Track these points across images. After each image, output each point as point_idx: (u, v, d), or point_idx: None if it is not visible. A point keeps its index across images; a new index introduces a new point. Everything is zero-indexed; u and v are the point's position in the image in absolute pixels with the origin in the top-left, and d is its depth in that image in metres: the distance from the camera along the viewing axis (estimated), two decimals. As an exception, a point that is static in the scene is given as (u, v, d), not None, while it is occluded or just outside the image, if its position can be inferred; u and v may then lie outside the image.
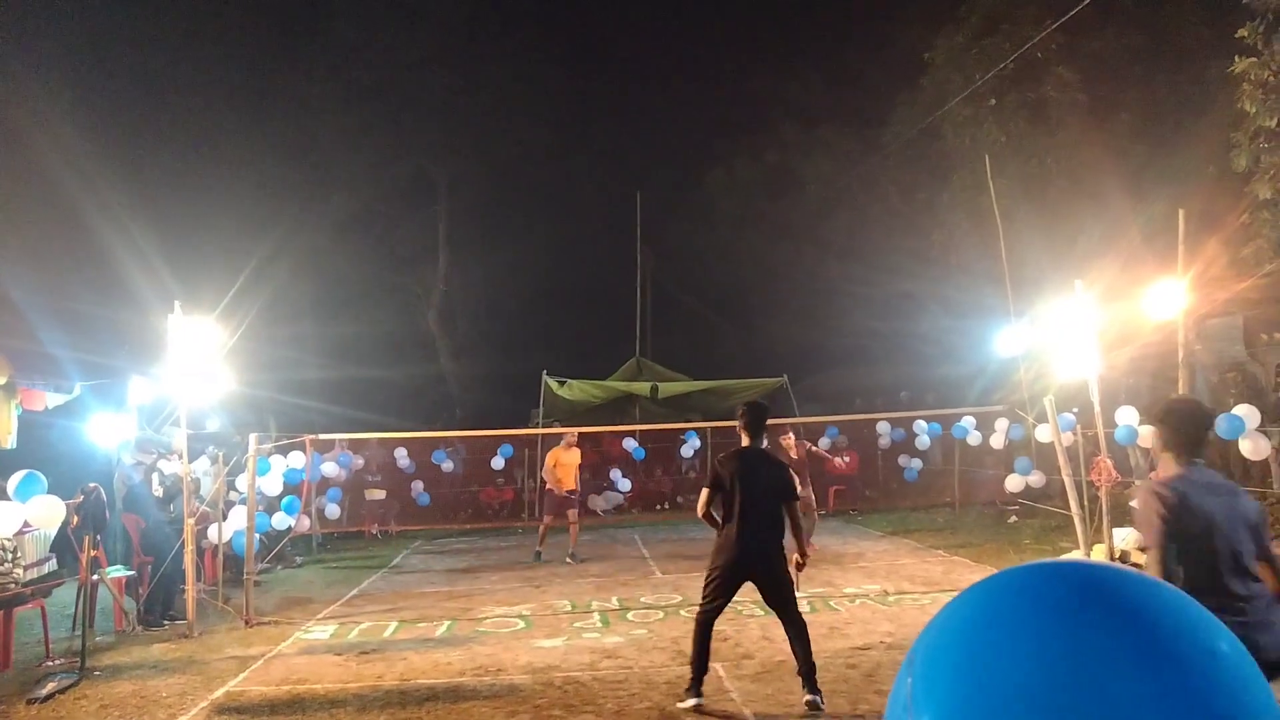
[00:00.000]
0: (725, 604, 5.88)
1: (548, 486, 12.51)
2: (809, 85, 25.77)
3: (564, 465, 12.43)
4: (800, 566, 5.94)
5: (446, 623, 8.77)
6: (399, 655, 7.52)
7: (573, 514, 12.49)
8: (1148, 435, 10.37)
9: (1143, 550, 9.29)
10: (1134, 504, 3.84)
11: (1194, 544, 3.25)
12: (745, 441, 6.11)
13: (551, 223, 28.37)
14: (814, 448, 13.73)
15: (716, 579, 5.88)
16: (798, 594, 5.90)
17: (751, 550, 5.74)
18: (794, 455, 11.44)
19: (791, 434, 11.94)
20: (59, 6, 19.97)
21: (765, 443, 6.26)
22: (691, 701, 5.78)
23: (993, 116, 16.47)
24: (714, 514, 5.93)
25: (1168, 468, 3.56)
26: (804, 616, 5.82)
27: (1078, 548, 9.73)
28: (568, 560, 12.21)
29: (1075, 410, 10.92)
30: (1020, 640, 0.88)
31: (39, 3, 19.34)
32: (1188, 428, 3.56)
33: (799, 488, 10.99)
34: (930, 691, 0.91)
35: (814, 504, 12.12)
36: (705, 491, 5.96)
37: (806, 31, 28.80)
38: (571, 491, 12.45)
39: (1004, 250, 11.48)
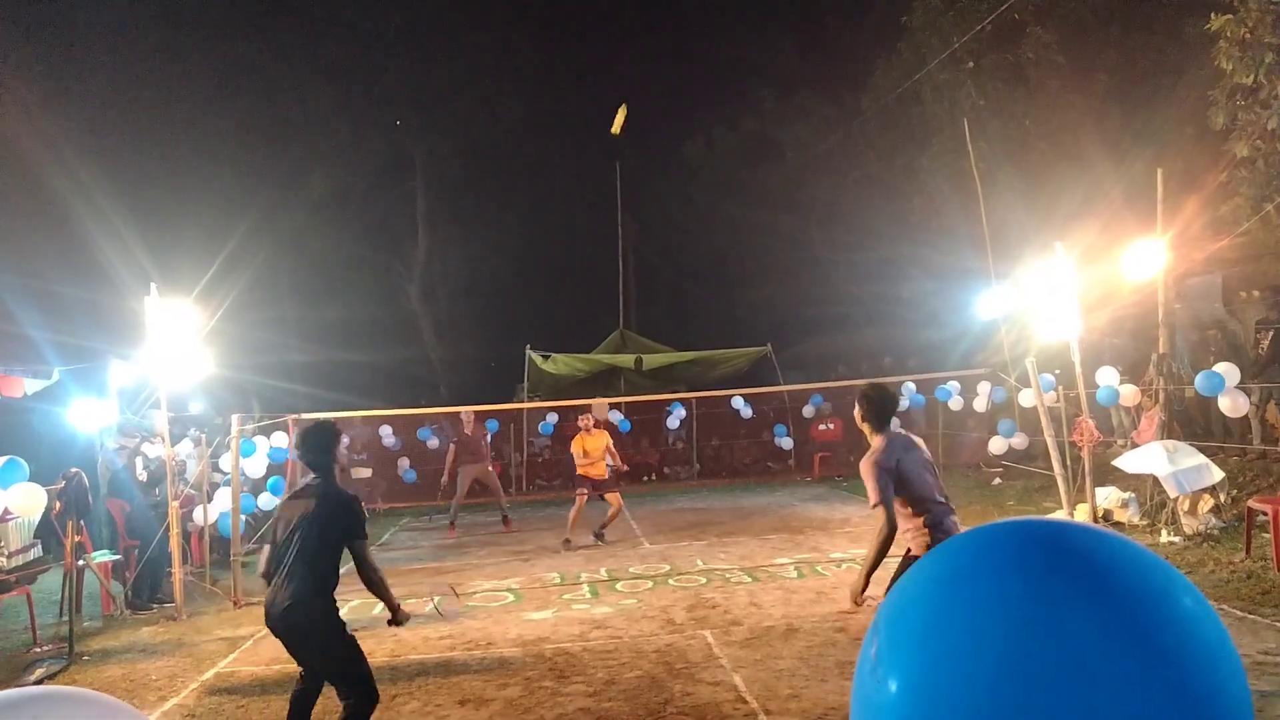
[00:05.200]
0: None
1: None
2: (786, 52, 25.64)
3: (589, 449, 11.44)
4: None
5: (436, 598, 8.76)
6: (389, 631, 7.47)
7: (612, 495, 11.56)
8: (1128, 395, 10.47)
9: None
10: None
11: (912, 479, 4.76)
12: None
13: (531, 196, 28.20)
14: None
15: None
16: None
17: None
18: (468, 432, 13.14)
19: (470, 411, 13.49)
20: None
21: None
22: None
23: (971, 79, 16.43)
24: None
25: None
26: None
27: (1061, 508, 9.81)
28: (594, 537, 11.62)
29: (1057, 371, 10.98)
30: (982, 599, 0.88)
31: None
32: (884, 408, 4.93)
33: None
34: (896, 653, 0.91)
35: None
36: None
37: (782, -2, 28.57)
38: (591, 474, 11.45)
39: (984, 213, 11.48)
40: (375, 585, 4.59)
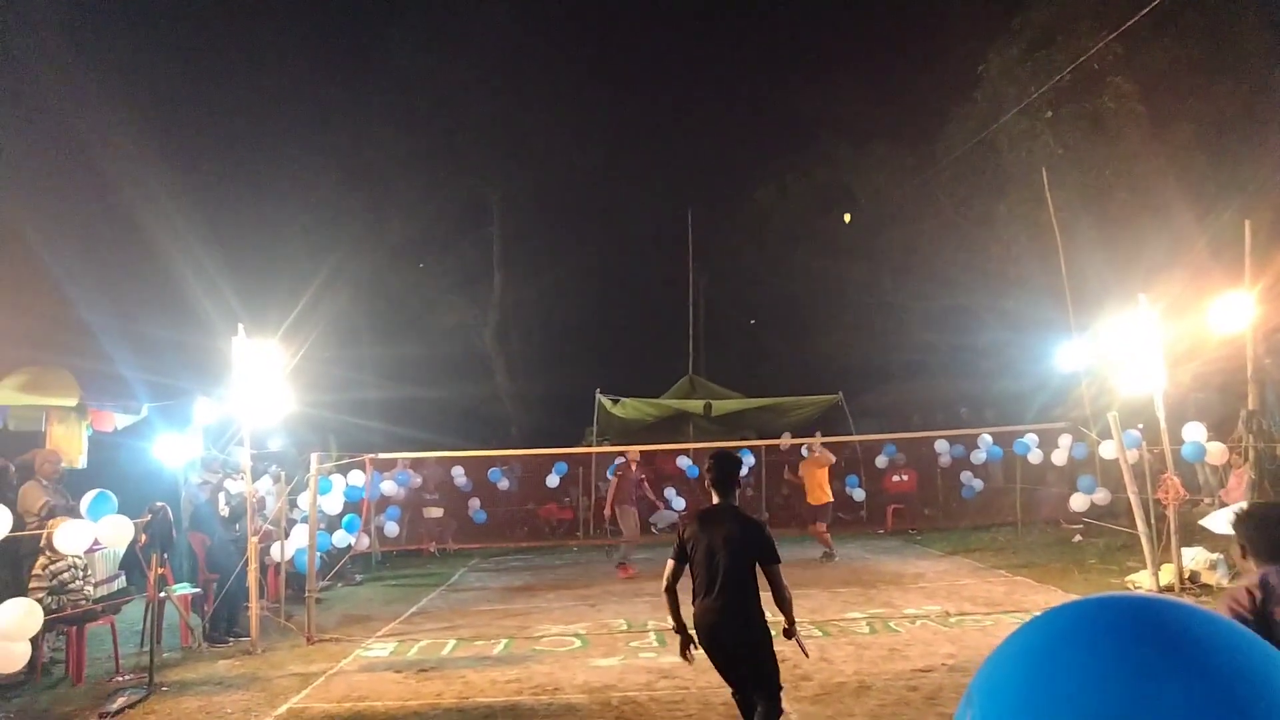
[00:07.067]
0: None
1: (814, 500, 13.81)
2: (860, 100, 25.63)
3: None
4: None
5: (503, 641, 8.81)
6: (457, 673, 7.57)
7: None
8: (1216, 452, 10.13)
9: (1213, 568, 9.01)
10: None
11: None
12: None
13: (604, 241, 28.55)
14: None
15: None
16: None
17: None
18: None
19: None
20: (127, 31, 20.64)
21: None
22: None
23: (1049, 129, 16.26)
24: None
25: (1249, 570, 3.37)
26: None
27: (1145, 568, 9.49)
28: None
29: (1140, 426, 10.67)
30: (1081, 680, 0.87)
31: (107, 28, 19.99)
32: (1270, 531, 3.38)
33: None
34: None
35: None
36: None
37: (857, 46, 28.65)
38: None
39: (1063, 263, 11.29)
40: (783, 605, 4.91)
